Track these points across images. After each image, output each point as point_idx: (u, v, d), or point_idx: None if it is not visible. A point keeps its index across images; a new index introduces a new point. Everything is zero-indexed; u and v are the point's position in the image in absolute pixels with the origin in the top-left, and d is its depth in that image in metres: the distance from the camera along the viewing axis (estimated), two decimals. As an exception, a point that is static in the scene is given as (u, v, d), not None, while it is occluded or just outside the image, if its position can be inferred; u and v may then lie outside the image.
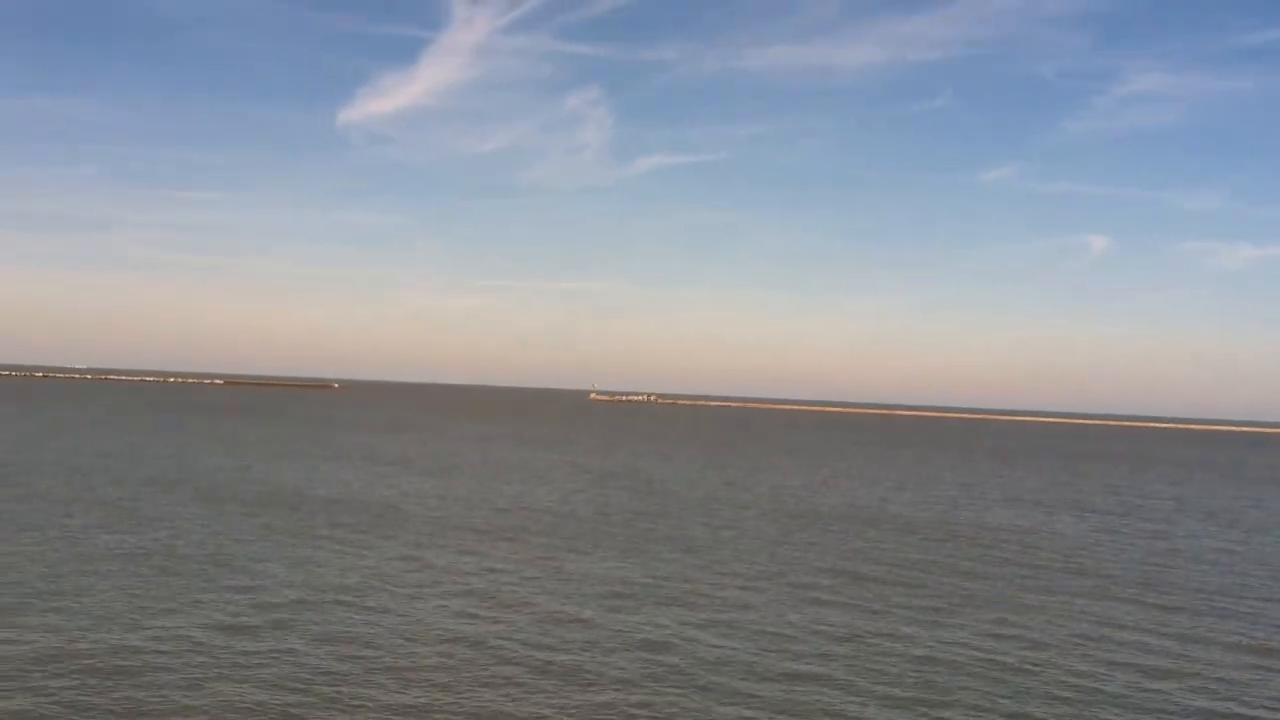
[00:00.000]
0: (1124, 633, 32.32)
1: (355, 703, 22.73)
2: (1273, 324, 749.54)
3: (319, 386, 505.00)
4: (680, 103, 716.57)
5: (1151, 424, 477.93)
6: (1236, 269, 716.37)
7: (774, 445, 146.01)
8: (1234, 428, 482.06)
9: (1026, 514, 65.45)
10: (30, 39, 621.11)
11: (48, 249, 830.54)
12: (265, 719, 21.54)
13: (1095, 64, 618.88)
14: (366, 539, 44.43)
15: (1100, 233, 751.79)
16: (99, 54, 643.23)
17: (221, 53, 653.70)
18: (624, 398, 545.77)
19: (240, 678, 24.05)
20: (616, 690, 24.30)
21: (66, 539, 41.13)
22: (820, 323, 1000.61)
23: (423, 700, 23.07)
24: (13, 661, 24.51)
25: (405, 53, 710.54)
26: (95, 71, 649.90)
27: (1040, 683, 26.29)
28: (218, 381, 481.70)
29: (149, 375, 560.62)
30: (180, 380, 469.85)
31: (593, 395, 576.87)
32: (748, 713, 23.06)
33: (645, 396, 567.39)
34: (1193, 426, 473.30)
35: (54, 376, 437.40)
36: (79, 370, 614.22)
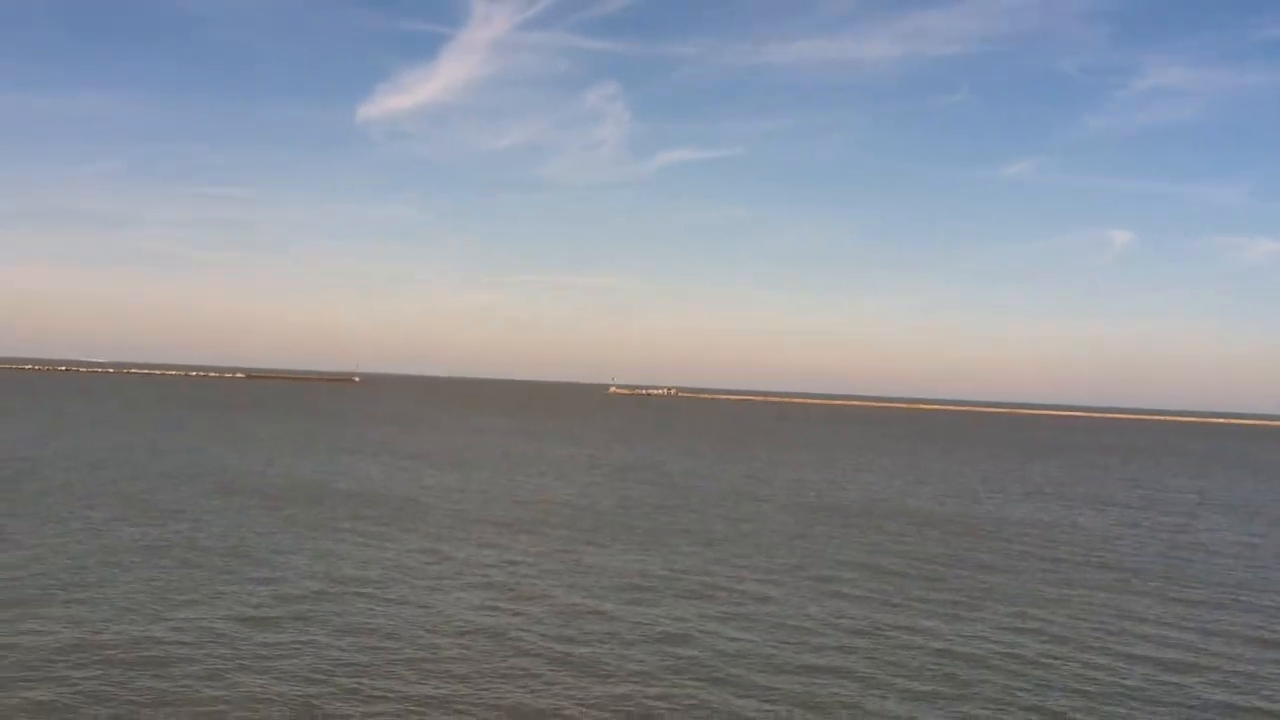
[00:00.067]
0: (1145, 626, 32.19)
1: (376, 694, 22.83)
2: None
3: (339, 380, 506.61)
4: (698, 98, 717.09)
5: (1173, 418, 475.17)
6: (1258, 263, 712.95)
7: (793, 439, 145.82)
8: (1256, 421, 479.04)
9: (1047, 508, 65.22)
10: (54, 36, 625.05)
11: (70, 244, 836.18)
12: (287, 710, 21.65)
13: (1116, 58, 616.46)
14: (387, 531, 44.59)
15: (1122, 227, 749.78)
16: (120, 50, 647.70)
17: (243, 49, 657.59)
18: (643, 391, 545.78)
19: (262, 669, 24.19)
20: (636, 683, 24.34)
21: (89, 531, 41.41)
22: (839, 318, 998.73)
23: (443, 692, 23.16)
24: (37, 652, 24.71)
25: (424, 49, 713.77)
26: (116, 67, 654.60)
27: (1061, 676, 26.21)
28: (239, 375, 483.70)
29: (170, 369, 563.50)
30: (201, 374, 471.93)
31: (612, 389, 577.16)
32: (767, 706, 23.07)
33: (665, 390, 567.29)
34: (1214, 420, 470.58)
35: (76, 370, 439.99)
36: (100, 364, 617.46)
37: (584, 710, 22.36)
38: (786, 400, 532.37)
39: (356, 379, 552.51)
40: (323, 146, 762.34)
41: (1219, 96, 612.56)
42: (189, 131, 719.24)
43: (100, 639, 26.03)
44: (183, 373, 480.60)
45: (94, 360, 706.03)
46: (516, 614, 30.65)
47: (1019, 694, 24.55)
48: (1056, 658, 28.00)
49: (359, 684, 23.45)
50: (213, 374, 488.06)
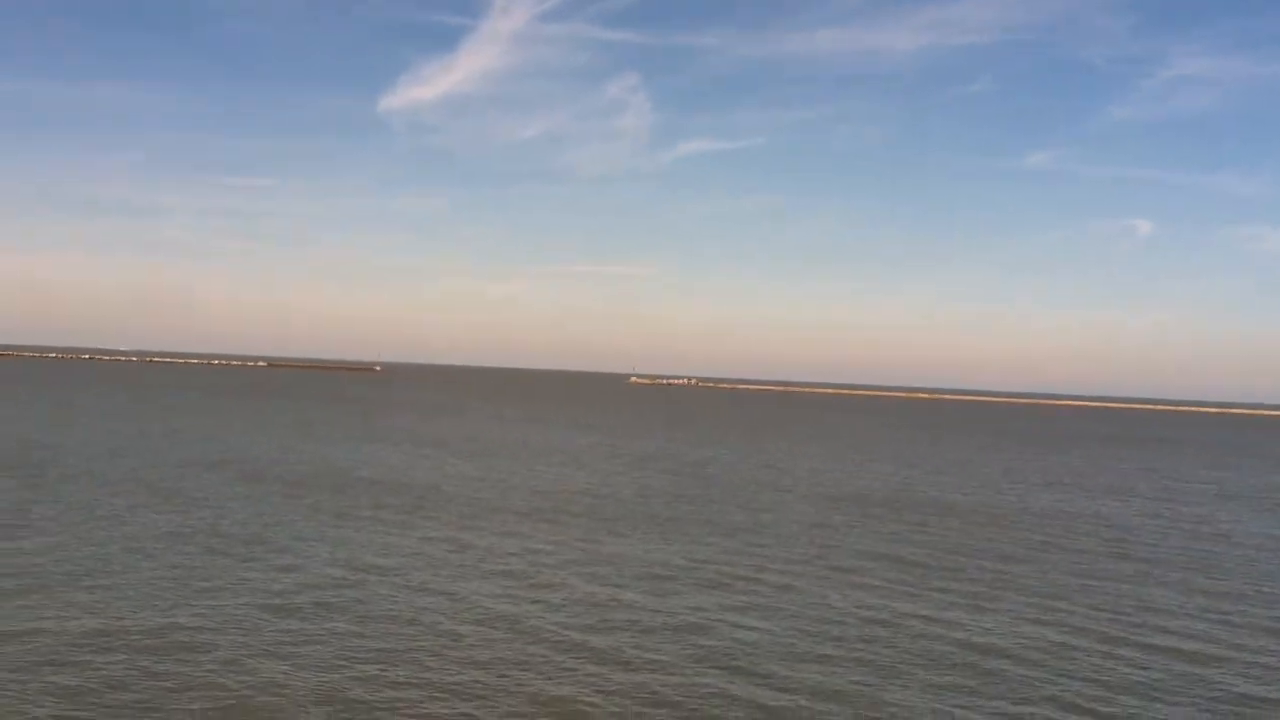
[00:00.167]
0: (1166, 617, 32.06)
1: (398, 681, 22.93)
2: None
3: (361, 369, 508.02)
4: (719, 89, 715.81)
5: (1195, 409, 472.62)
6: None
7: (814, 429, 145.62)
8: (1277, 412, 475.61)
9: (1067, 498, 64.98)
10: (79, 27, 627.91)
11: (95, 233, 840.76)
12: (310, 697, 21.77)
13: (1140, 48, 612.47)
14: (409, 520, 44.74)
15: (1145, 217, 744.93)
16: (141, 40, 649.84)
17: (266, 40, 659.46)
18: (664, 381, 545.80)
19: (284, 656, 24.32)
20: (656, 672, 24.38)
21: (113, 518, 41.67)
22: (858, 308, 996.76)
23: (464, 679, 23.24)
24: (62, 638, 24.89)
25: (446, 40, 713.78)
26: (137, 58, 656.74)
27: (1082, 667, 26.14)
28: (261, 364, 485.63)
29: (193, 358, 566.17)
30: (224, 363, 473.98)
31: (633, 379, 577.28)
32: (787, 695, 23.08)
33: (685, 380, 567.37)
34: (1235, 411, 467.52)
35: (99, 359, 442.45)
36: (123, 352, 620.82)
37: (605, 699, 22.42)
38: (805, 390, 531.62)
39: (377, 368, 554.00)
40: (344, 137, 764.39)
41: (1244, 86, 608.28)
42: (210, 122, 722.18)
43: (124, 625, 26.22)
44: (205, 361, 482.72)
45: (117, 349, 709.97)
46: (537, 602, 30.74)
47: (1040, 685, 24.50)
48: (1078, 649, 27.92)
49: (381, 671, 23.56)
50: (235, 362, 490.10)
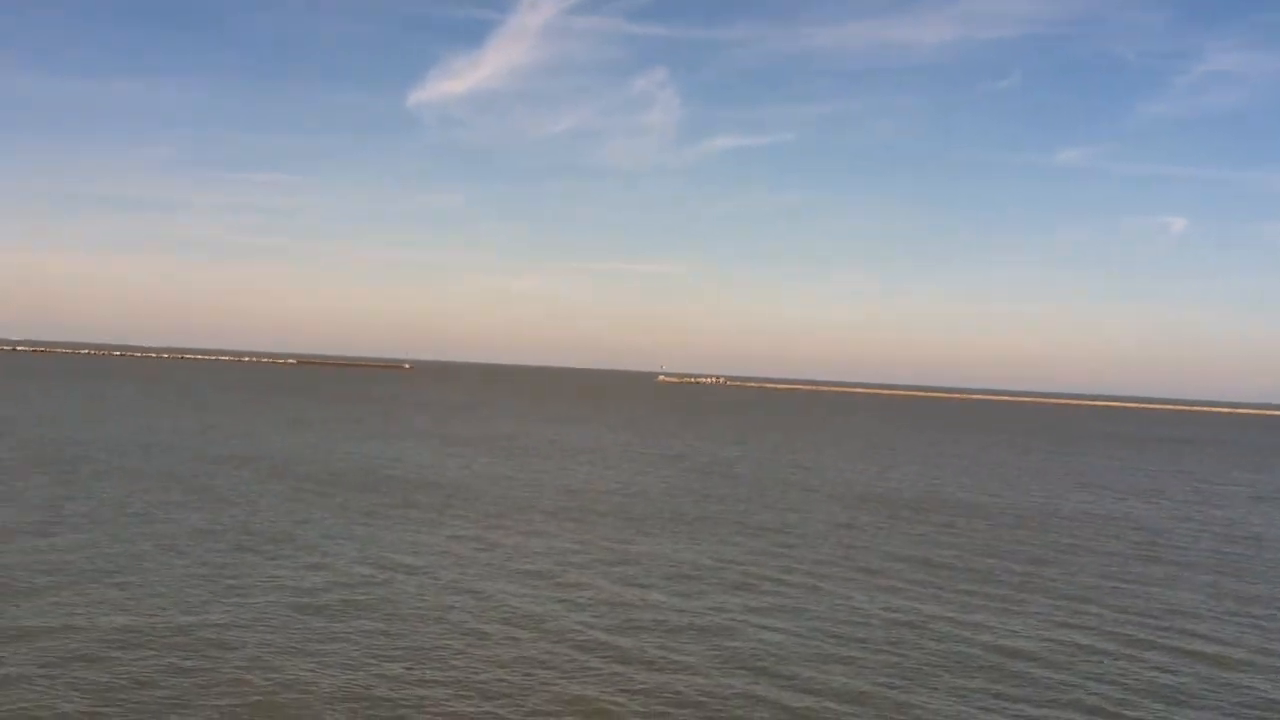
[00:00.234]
0: (1196, 621, 31.81)
1: (425, 680, 23.01)
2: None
3: (390, 367, 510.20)
4: (748, 83, 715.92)
5: (1229, 409, 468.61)
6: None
7: (843, 428, 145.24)
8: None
9: (1097, 499, 64.56)
10: (105, 23, 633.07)
11: (125, 230, 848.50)
12: (336, 694, 21.88)
13: (1173, 43, 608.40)
14: (437, 518, 44.90)
15: (1179, 214, 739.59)
16: (167, 36, 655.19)
17: (293, 35, 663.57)
18: (692, 380, 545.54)
19: (312, 654, 24.45)
20: (681, 673, 24.38)
21: (144, 515, 42.00)
22: (892, 305, 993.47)
23: (490, 677, 23.30)
24: (90, 633, 25.11)
25: (474, 34, 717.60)
26: (168, 54, 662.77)
27: (1110, 671, 25.97)
28: (291, 361, 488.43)
29: (223, 355, 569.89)
30: (254, 360, 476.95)
31: (660, 377, 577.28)
32: (812, 698, 23.03)
33: (713, 379, 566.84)
34: (1270, 412, 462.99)
35: (131, 355, 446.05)
36: (154, 349, 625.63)
37: (630, 698, 22.44)
38: (835, 390, 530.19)
39: (406, 366, 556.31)
40: (373, 132, 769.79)
41: (1276, 81, 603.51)
42: (241, 118, 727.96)
43: (153, 622, 26.42)
44: (235, 358, 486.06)
45: (147, 345, 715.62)
46: (564, 602, 30.79)
47: (1068, 688, 24.35)
48: (1106, 652, 27.74)
49: (407, 669, 23.66)
50: (264, 359, 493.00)
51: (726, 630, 28.36)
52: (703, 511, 51.08)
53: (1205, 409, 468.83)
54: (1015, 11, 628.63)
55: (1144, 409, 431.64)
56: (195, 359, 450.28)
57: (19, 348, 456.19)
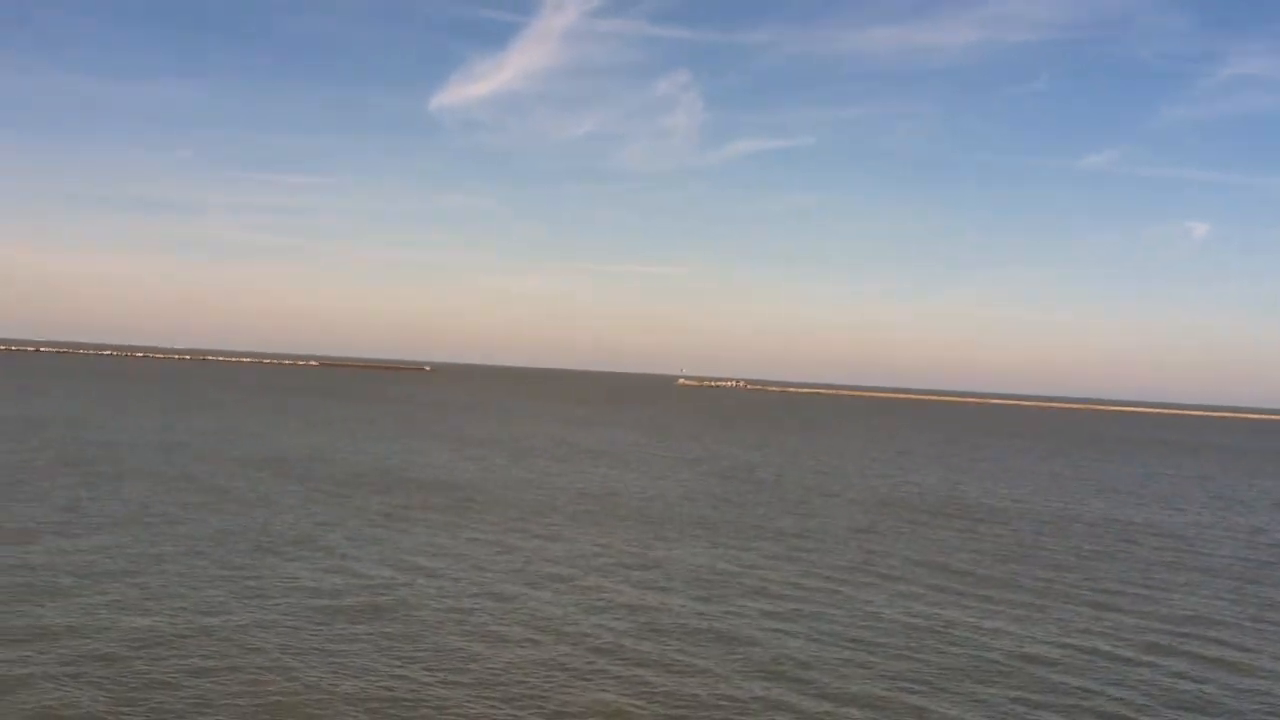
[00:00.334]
0: (1219, 629, 31.61)
1: (445, 683, 23.04)
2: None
3: (411, 369, 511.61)
4: (771, 86, 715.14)
5: (1254, 415, 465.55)
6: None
7: (863, 432, 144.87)
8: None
9: (1120, 505, 64.23)
10: (128, 24, 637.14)
11: (146, 232, 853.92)
12: (355, 696, 21.94)
13: (1198, 46, 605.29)
14: (456, 521, 44.98)
15: (1201, 219, 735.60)
16: (195, 38, 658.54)
17: (316, 37, 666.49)
18: (712, 383, 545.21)
19: (331, 658, 24.51)
20: (700, 677, 24.35)
21: (166, 516, 42.20)
22: (913, 309, 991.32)
23: (508, 680, 23.32)
24: (110, 635, 25.23)
25: (497, 37, 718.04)
26: (191, 56, 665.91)
27: (1131, 678, 25.82)
28: (313, 363, 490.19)
29: (245, 356, 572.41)
30: (276, 362, 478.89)
31: (680, 381, 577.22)
32: (831, 704, 22.97)
33: (733, 382, 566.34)
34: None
35: (152, 356, 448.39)
36: (177, 350, 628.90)
37: (649, 703, 22.42)
38: (856, 394, 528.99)
39: (427, 368, 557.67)
40: (396, 135, 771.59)
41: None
42: (263, 120, 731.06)
43: (173, 623, 26.54)
44: (257, 360, 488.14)
45: (170, 346, 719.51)
46: (584, 605, 30.79)
47: (1089, 695, 24.22)
48: (1128, 659, 27.59)
49: (427, 671, 23.70)
50: (286, 361, 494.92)
51: (746, 635, 28.31)
52: (723, 515, 51.02)
53: (1226, 414, 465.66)
54: (1039, 16, 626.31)
55: (1164, 414, 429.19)
56: (219, 361, 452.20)
57: (43, 349, 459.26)
